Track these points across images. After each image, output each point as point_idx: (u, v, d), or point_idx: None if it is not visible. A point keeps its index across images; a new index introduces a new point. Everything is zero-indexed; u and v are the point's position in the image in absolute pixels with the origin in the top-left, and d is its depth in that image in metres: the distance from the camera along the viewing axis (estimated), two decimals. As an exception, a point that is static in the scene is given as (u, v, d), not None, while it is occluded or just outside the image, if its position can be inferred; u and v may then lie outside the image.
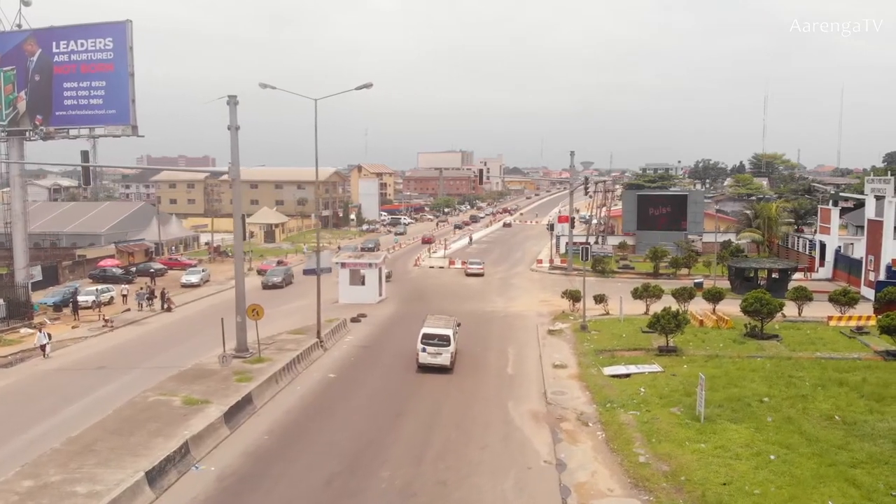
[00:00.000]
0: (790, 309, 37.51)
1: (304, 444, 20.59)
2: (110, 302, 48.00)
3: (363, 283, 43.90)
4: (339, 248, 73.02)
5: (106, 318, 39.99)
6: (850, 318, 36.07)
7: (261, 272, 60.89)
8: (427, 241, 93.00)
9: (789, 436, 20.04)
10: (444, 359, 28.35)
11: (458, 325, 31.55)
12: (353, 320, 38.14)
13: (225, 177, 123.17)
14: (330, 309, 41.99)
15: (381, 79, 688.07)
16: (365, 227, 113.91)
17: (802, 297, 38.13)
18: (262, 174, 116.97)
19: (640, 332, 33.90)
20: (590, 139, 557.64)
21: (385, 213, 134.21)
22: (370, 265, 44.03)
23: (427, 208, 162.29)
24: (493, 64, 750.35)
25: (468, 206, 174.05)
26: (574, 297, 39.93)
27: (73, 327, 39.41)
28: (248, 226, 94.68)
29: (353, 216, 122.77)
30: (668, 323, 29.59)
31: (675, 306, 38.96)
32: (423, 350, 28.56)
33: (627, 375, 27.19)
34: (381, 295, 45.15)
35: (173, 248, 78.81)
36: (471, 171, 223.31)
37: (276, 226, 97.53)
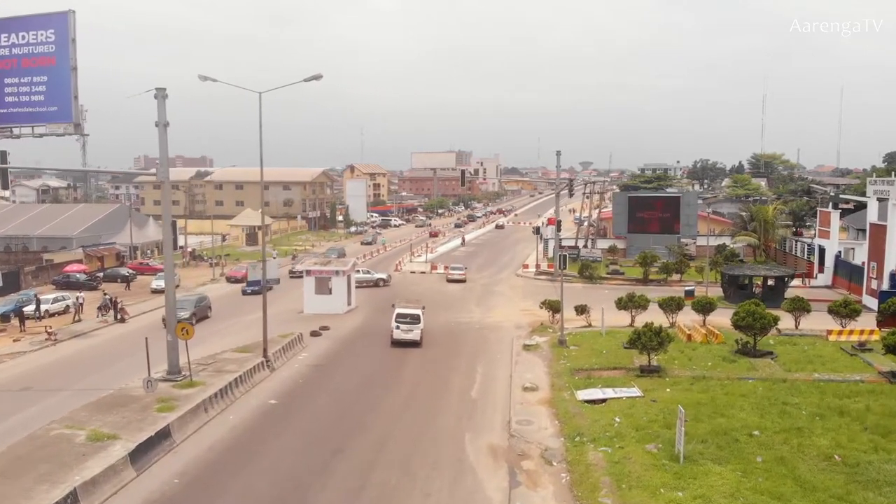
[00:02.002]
0: (786, 321, 34.66)
1: (218, 491, 17.75)
2: (66, 311, 45.21)
3: (330, 292, 40.96)
4: (290, 255, 71.30)
5: (49, 330, 37.10)
6: (851, 331, 33.21)
7: (230, 279, 57.91)
8: (434, 234, 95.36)
9: (781, 482, 17.20)
10: (414, 334, 33.03)
11: (423, 308, 35.55)
12: (314, 334, 35.17)
13: (213, 177, 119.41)
14: (293, 320, 39.25)
15: (380, 79, 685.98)
16: (353, 228, 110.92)
17: (800, 308, 35.23)
18: (247, 174, 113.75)
19: (622, 348, 31.00)
20: (590, 139, 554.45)
21: (375, 214, 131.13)
22: (337, 273, 41.08)
23: (421, 209, 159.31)
24: (493, 64, 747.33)
25: (463, 207, 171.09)
26: (554, 307, 37.06)
27: (14, 340, 36.59)
28: (229, 228, 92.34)
29: (340, 217, 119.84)
30: (649, 340, 26.72)
31: (662, 318, 36.35)
32: (397, 328, 33.00)
33: (603, 401, 24.34)
34: (349, 304, 42.26)
35: (148, 251, 75.95)
36: (465, 170, 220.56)
37: (260, 228, 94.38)
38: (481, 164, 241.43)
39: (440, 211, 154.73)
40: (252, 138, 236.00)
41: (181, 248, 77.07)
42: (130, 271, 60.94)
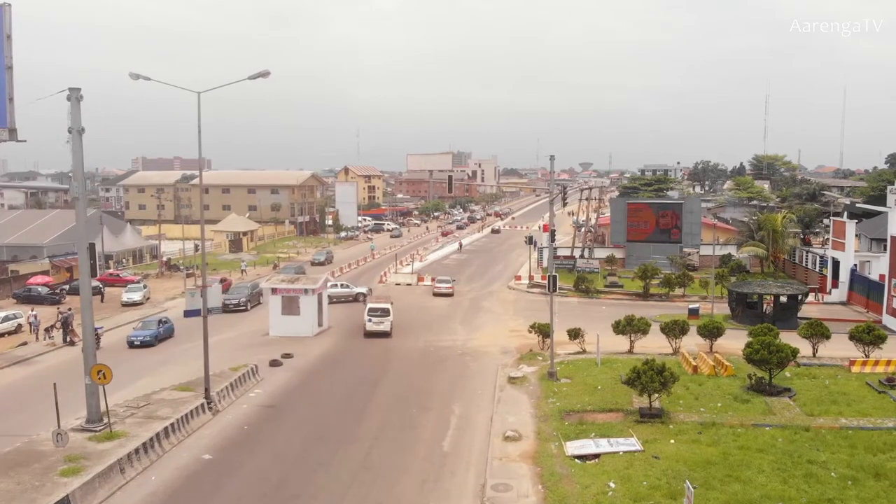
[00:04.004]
0: (803, 347, 30.96)
1: None
2: (17, 331, 41.63)
3: (299, 313, 37.24)
4: (272, 263, 66.96)
5: (-15, 357, 33.53)
6: (876, 362, 29.62)
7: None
8: (446, 234, 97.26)
9: (817, 588, 13.60)
10: (385, 325, 36.93)
11: (392, 303, 39.24)
12: (273, 363, 31.36)
13: (200, 182, 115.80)
14: (256, 345, 35.64)
15: (380, 79, 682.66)
16: (343, 234, 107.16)
17: (818, 334, 31.53)
18: (234, 178, 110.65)
19: (619, 383, 27.28)
20: (589, 140, 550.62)
21: (368, 218, 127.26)
22: (306, 291, 37.37)
23: (416, 212, 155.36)
24: (493, 64, 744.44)
25: (461, 210, 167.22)
26: (544, 332, 33.50)
27: (-53, 368, 32.97)
28: (213, 234, 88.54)
29: (330, 222, 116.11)
30: (650, 381, 23.09)
31: (663, 341, 32.98)
32: (370, 320, 36.85)
33: (596, 456, 20.72)
34: (320, 325, 38.58)
35: (123, 260, 72.18)
36: (463, 172, 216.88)
37: (245, 234, 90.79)
38: (479, 165, 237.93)
39: (435, 214, 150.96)
40: (252, 140, 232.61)
41: (155, 257, 73.52)
42: (99, 283, 57.12)
